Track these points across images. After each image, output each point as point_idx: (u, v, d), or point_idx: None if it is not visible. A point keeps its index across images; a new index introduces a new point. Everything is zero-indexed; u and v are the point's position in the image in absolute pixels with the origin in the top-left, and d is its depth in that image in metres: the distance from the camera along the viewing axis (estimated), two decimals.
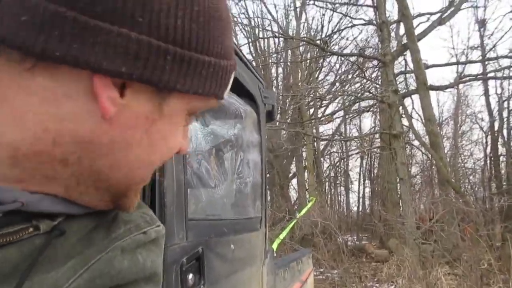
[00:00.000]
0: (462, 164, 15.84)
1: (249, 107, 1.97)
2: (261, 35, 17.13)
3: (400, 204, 11.30)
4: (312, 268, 3.98)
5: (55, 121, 0.45)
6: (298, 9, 16.95)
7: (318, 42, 13.25)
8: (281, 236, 5.43)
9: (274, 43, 18.11)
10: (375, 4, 11.72)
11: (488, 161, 15.26)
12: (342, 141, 17.63)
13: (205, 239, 1.40)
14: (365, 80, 13.46)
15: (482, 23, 13.93)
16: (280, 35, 15.77)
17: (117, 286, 0.52)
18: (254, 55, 17.57)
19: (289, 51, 16.33)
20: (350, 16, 13.22)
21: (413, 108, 15.04)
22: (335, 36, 15.22)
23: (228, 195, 1.80)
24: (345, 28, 13.86)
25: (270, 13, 17.28)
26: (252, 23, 17.72)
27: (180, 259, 1.21)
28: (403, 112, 11.79)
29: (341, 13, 13.56)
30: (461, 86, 14.79)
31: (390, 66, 10.51)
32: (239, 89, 1.84)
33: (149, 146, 0.52)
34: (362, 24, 12.86)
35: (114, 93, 0.46)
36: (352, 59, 14.04)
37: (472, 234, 7.39)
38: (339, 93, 13.20)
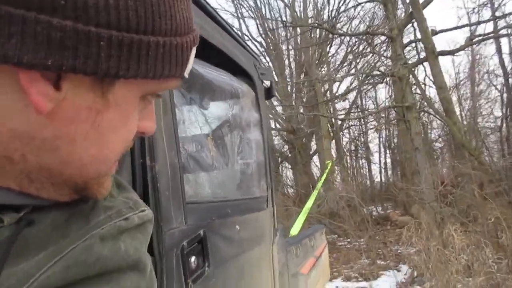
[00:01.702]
0: (483, 124, 15.58)
1: (246, 85, 1.94)
2: (269, 16, 17.28)
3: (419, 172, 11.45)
4: (325, 243, 3.99)
5: None
6: None
7: (325, 25, 13.43)
8: (308, 205, 5.53)
9: (282, 23, 17.83)
10: None
11: (505, 120, 15.00)
12: (359, 112, 17.64)
13: (207, 222, 1.40)
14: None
15: None
16: (289, 24, 15.87)
17: (99, 275, 0.51)
18: (263, 36, 17.73)
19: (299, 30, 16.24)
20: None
21: (426, 75, 14.79)
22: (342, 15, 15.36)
23: (231, 176, 1.79)
24: (351, 7, 14.21)
25: None
26: (258, 2, 17.67)
27: (180, 243, 1.21)
28: (415, 83, 11.87)
29: None
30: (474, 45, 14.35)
31: (397, 41, 10.60)
32: (234, 68, 1.81)
33: (98, 139, 0.48)
34: (367, 1, 13.01)
35: (46, 87, 0.41)
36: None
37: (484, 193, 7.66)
38: (352, 74, 13.44)
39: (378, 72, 12.80)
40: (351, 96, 17.24)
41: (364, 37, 13.76)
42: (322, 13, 15.87)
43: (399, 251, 7.98)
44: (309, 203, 5.92)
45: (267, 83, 2.14)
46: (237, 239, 1.64)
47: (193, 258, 1.28)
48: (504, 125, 15.02)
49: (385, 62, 13.66)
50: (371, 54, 14.44)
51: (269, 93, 2.18)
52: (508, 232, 5.78)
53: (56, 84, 0.42)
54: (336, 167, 15.80)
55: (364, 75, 12.97)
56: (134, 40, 0.41)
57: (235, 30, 1.84)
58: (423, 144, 12.34)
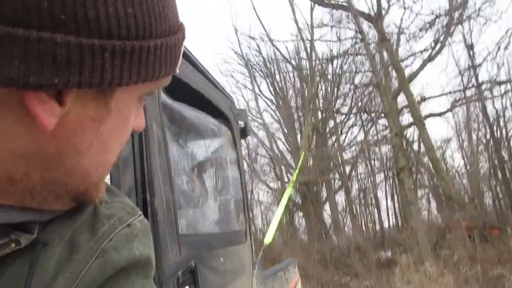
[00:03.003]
0: (479, 171, 17.11)
1: (224, 126, 2.12)
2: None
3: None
4: (298, 276, 4.09)
5: None
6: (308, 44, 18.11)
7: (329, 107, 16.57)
8: (281, 208, 5.69)
9: (290, 80, 20.16)
10: (371, 69, 13.85)
11: (492, 170, 16.50)
12: (367, 163, 20.11)
13: (197, 254, 1.54)
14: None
15: (470, 48, 14.98)
16: (301, 109, 18.18)
17: (115, 273, 0.55)
18: (273, 94, 20.06)
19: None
20: (354, 84, 16.64)
21: None
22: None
23: (214, 211, 1.94)
24: (349, 91, 17.42)
25: (284, 56, 19.05)
26: (268, 65, 19.64)
27: (175, 273, 1.35)
28: (406, 144, 14.18)
29: (346, 83, 17.09)
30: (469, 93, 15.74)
31: (389, 116, 12.48)
32: (212, 110, 2.00)
33: (102, 146, 0.49)
34: (363, 86, 15.82)
35: (52, 104, 0.41)
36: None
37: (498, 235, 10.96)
38: (354, 144, 17.24)
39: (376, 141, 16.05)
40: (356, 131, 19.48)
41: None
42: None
43: (399, 287, 9.67)
44: (281, 205, 6.00)
45: (241, 123, 2.32)
46: (222, 271, 1.78)
47: None
48: (494, 181, 16.65)
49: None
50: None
51: (244, 133, 2.38)
52: (469, 265, 8.38)
53: (59, 99, 0.41)
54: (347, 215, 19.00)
55: (365, 145, 15.86)
56: (135, 47, 0.42)
57: (210, 73, 2.03)
58: (432, 188, 17.34)
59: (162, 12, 0.44)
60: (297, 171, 8.08)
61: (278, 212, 5.01)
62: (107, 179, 1.12)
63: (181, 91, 1.65)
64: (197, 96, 1.82)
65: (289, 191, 6.90)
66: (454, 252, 9.69)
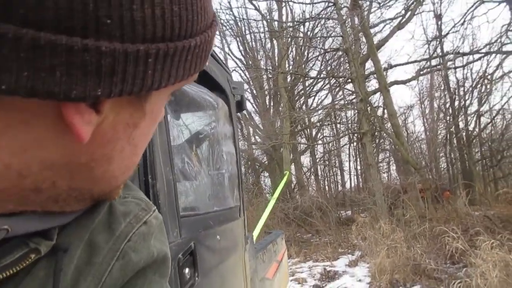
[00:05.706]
0: (439, 139, 17.57)
1: (220, 100, 1.99)
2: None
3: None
4: (285, 248, 4.11)
5: (16, 153, 0.36)
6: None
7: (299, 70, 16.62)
8: (265, 215, 5.79)
9: (261, 40, 19.65)
10: (341, 34, 13.40)
11: (448, 137, 17.18)
12: (333, 125, 19.80)
13: (195, 234, 1.45)
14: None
15: (438, 17, 14.99)
16: (270, 71, 17.71)
17: (134, 275, 0.52)
18: (243, 53, 19.49)
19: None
20: (323, 49, 15.86)
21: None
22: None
23: (211, 189, 1.83)
24: (319, 55, 16.83)
25: (259, 11, 18.31)
26: (239, 23, 19.03)
27: (176, 256, 1.26)
28: (371, 110, 14.10)
29: (316, 47, 16.66)
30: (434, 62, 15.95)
31: (356, 81, 12.45)
32: (210, 83, 1.86)
33: (132, 151, 0.45)
34: (333, 51, 15.36)
35: (90, 115, 0.36)
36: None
37: (449, 197, 11.36)
38: (320, 108, 17.11)
39: (342, 105, 16.11)
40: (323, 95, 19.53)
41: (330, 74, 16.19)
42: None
43: (356, 242, 10.16)
44: (266, 213, 6.10)
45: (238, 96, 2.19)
46: (218, 249, 1.69)
47: (187, 270, 1.33)
48: (448, 147, 17.38)
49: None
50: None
51: (240, 106, 2.24)
52: (418, 223, 8.87)
53: (95, 108, 0.37)
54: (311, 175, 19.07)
55: (331, 109, 15.72)
56: (178, 48, 0.37)
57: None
58: (393, 152, 17.21)
59: (202, 6, 0.39)
60: (280, 189, 8.02)
61: (262, 221, 5.03)
62: None
63: None
64: None
65: (271, 204, 6.93)
66: (406, 211, 10.21)
